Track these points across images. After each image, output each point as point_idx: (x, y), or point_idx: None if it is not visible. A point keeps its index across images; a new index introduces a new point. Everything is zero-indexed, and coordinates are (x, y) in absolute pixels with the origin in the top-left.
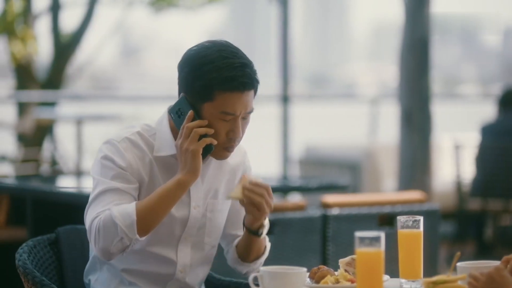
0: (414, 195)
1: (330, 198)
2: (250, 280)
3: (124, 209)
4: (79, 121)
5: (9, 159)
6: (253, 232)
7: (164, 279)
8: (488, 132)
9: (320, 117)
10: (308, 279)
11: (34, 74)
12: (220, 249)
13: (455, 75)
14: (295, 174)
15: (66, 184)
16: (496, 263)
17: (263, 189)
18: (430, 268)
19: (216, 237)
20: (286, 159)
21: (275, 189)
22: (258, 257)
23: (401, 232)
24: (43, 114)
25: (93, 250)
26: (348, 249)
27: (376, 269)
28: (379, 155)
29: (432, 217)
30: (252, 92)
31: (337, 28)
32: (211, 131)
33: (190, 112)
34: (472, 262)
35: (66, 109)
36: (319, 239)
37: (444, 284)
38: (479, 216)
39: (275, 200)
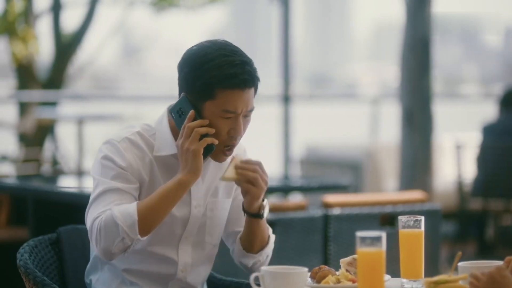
0: (415, 195)
1: (331, 198)
2: (251, 280)
3: (125, 209)
4: (80, 121)
5: (10, 159)
6: (254, 214)
7: (165, 279)
8: (489, 132)
9: (321, 117)
10: (309, 279)
11: (35, 74)
12: (221, 249)
13: (456, 75)
14: (296, 174)
15: (67, 184)
16: (497, 263)
17: (255, 165)
18: (431, 268)
19: (217, 236)
20: (287, 159)
21: (277, 189)
22: (262, 248)
23: (402, 232)
24: (44, 114)
25: (94, 250)
26: (349, 249)
27: (377, 269)
28: (380, 155)
29: (433, 217)
30: (252, 90)
31: (338, 28)
32: (212, 130)
33: (191, 112)
34: (473, 262)
35: (67, 109)
36: (320, 239)
37: (445, 284)
38: (480, 216)
39: (276, 200)
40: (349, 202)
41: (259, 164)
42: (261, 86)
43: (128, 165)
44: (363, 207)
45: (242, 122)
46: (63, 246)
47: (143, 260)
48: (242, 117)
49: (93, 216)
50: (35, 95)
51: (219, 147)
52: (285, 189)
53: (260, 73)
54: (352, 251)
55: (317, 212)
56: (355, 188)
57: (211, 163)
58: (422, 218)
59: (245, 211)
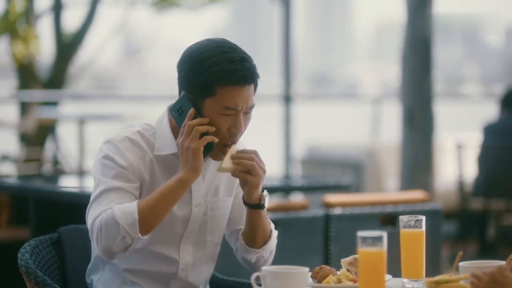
0: (416, 194)
1: (333, 197)
2: (252, 279)
3: (126, 208)
4: (81, 121)
5: (11, 159)
6: (254, 205)
7: (167, 278)
8: (491, 131)
9: (322, 116)
10: (310, 279)
11: (36, 73)
12: (222, 249)
13: (457, 74)
14: (298, 174)
15: (68, 183)
16: (498, 263)
17: (251, 154)
18: (432, 268)
19: (219, 235)
20: (288, 159)
21: (278, 189)
22: (265, 242)
23: (403, 231)
24: (45, 113)
25: (95, 250)
26: (351, 249)
27: (378, 269)
28: (381, 154)
29: (435, 217)
30: (252, 86)
31: (339, 28)
32: (212, 129)
33: (191, 110)
34: (474, 262)
35: (68, 109)
36: (321, 238)
37: (446, 284)
38: (482, 216)
39: (277, 200)
40: (350, 202)
41: (254, 152)
42: (262, 85)
43: (129, 164)
44: (364, 207)
45: (242, 119)
46: (64, 246)
47: (144, 259)
48: (243, 114)
49: (94, 215)
50: (36, 95)
51: (219, 145)
52: (286, 189)
53: (261, 72)
54: (353, 251)
55: (318, 212)
56: (356, 188)
57: (212, 162)
58: (423, 218)
59: (245, 203)
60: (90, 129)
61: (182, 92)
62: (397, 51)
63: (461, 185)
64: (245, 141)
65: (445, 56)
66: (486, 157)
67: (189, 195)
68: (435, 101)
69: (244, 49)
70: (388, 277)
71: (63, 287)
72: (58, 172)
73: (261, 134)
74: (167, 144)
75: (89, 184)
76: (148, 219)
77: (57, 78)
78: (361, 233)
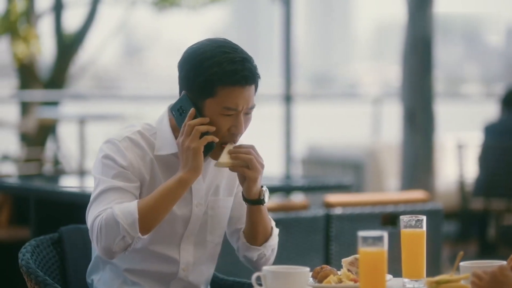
0: (417, 194)
1: (333, 197)
2: (253, 279)
3: (126, 208)
4: (82, 121)
5: (12, 159)
6: (254, 201)
7: (167, 278)
8: (491, 131)
9: (323, 116)
10: (311, 279)
11: (37, 73)
12: (223, 249)
13: (457, 74)
14: (298, 174)
15: (69, 183)
16: (499, 262)
17: (248, 148)
18: (433, 268)
19: (219, 234)
20: (289, 159)
21: (278, 189)
22: (266, 239)
23: (404, 231)
24: (46, 113)
25: (96, 250)
26: (351, 249)
27: (379, 269)
28: (382, 154)
29: (435, 217)
30: (253, 87)
31: (340, 28)
32: (212, 128)
33: (192, 110)
34: (475, 262)
35: (68, 109)
36: (322, 238)
37: (447, 284)
38: (482, 216)
39: (278, 200)
40: (351, 201)
41: (252, 147)
42: (262, 85)
43: (129, 164)
44: (365, 207)
45: (243, 120)
46: (64, 246)
47: (144, 259)
48: (243, 114)
49: (94, 214)
50: (36, 94)
51: (219, 145)
52: (287, 189)
53: (262, 72)
54: (354, 251)
55: (319, 212)
56: (357, 187)
57: (212, 162)
58: (424, 218)
59: (245, 199)
60: (91, 129)
61: (183, 92)
62: (398, 51)
63: (461, 185)
64: (246, 141)
65: (445, 56)
66: (486, 157)
67: (189, 195)
68: (436, 101)
69: (244, 49)
70: (388, 277)
71: (63, 287)
72: (58, 172)
73: (261, 134)
74: (167, 144)
75: (90, 184)
76: (148, 219)
77: (57, 78)
78: (361, 233)
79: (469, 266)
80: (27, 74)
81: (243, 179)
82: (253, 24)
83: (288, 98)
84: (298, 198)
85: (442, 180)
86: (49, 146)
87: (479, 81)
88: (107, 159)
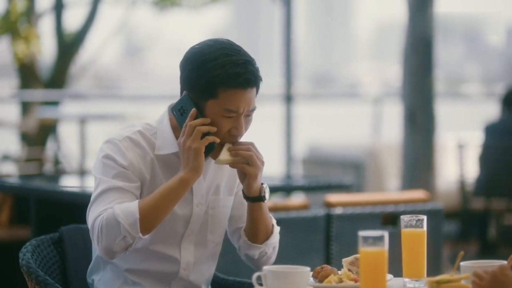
0: (417, 194)
1: (334, 197)
2: (254, 279)
3: (126, 208)
4: (82, 121)
5: (12, 159)
6: (255, 198)
7: (168, 278)
8: (492, 131)
9: (323, 116)
10: (311, 279)
11: (38, 73)
12: (223, 249)
13: (458, 74)
14: (299, 174)
15: (69, 183)
16: (499, 262)
17: (248, 145)
18: (434, 268)
19: (220, 234)
20: (289, 159)
21: (279, 189)
22: (267, 237)
23: (404, 231)
24: (47, 113)
25: (96, 250)
26: (352, 249)
27: (379, 269)
28: (382, 154)
29: (436, 217)
30: (254, 89)
31: (341, 28)
32: (214, 129)
33: (193, 110)
34: (475, 262)
35: (69, 109)
36: (322, 238)
37: (447, 284)
38: (483, 216)
39: (278, 200)
40: (351, 201)
41: (251, 144)
42: (263, 85)
43: (130, 164)
44: (365, 207)
45: (243, 122)
46: (65, 246)
47: (145, 259)
48: (244, 116)
49: (95, 214)
50: (37, 94)
51: (219, 146)
52: (287, 189)
53: (262, 72)
54: (354, 251)
55: (319, 212)
56: (357, 187)
57: (213, 162)
58: (424, 217)
59: (246, 197)
60: (91, 128)
61: (184, 92)
62: (398, 51)
63: (462, 184)
64: (245, 140)
65: (446, 56)
66: (487, 157)
67: (190, 195)
68: (436, 101)
69: (246, 50)
70: (389, 276)
71: (64, 287)
72: (59, 171)
73: (262, 134)
74: (167, 144)
75: (90, 184)
76: (149, 219)
77: (58, 77)
78: (362, 233)
79: (470, 266)
80: (27, 74)
81: (243, 176)
82: (254, 24)
83: (288, 98)
84: (298, 198)
85: (443, 180)
86: (50, 146)
87: (480, 81)
88: (108, 159)
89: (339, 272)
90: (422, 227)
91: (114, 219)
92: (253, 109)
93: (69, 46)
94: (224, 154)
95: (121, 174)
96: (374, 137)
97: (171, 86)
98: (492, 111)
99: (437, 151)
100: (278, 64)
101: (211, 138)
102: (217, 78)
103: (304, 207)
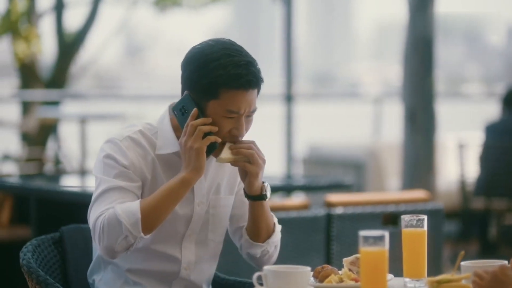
0: (418, 194)
1: (334, 197)
2: (254, 279)
3: (128, 207)
4: (83, 120)
5: (13, 158)
6: (256, 196)
7: (169, 277)
8: (492, 131)
9: (324, 116)
10: (312, 278)
11: (38, 73)
12: (224, 249)
13: (458, 74)
14: (299, 173)
15: (70, 183)
16: (500, 262)
17: (249, 143)
18: (434, 267)
19: (221, 233)
20: (290, 158)
21: (279, 188)
22: (269, 235)
23: (405, 231)
24: (47, 113)
25: (97, 250)
26: (352, 248)
27: (380, 268)
28: (383, 154)
29: (436, 216)
30: (256, 90)
31: (341, 27)
32: (215, 129)
33: (194, 110)
34: (476, 261)
35: (70, 108)
36: (323, 238)
37: (448, 283)
38: (483, 215)
39: (279, 199)
40: (351, 201)
41: (253, 142)
42: (263, 85)
43: (131, 163)
44: (366, 206)
45: (244, 122)
46: (65, 246)
47: (146, 258)
48: (245, 117)
49: (96, 214)
50: (37, 94)
51: (221, 145)
52: (287, 188)
53: (263, 72)
54: (355, 251)
55: (320, 212)
56: (357, 187)
57: (213, 161)
58: (425, 217)
59: (247, 196)
60: (92, 128)
61: (185, 92)
62: (399, 51)
63: (462, 184)
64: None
65: (446, 55)
66: (487, 157)
67: (191, 194)
68: (437, 101)
69: (246, 50)
70: (390, 276)
71: (64, 287)
72: (59, 171)
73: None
74: (168, 143)
75: (91, 184)
76: (151, 219)
77: (58, 77)
78: (363, 233)
79: (470, 266)
80: (28, 73)
81: (245, 175)
82: (254, 23)
83: (289, 98)
84: (299, 197)
85: (443, 179)
86: (50, 145)
87: (480, 81)
88: (109, 158)
89: (340, 272)
90: (422, 227)
91: (116, 218)
92: (254, 110)
93: (69, 46)
94: (226, 153)
95: (122, 173)
96: (375, 137)
97: (172, 86)
98: (492, 111)
99: (437, 151)
100: (278, 64)
101: (212, 138)
102: (219, 79)
103: (305, 207)
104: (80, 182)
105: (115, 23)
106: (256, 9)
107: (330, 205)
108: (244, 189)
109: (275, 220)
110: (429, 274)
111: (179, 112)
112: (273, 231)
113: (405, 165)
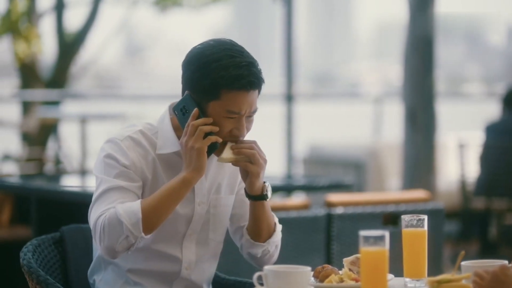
0: (418, 194)
1: (335, 197)
2: (254, 279)
3: (129, 207)
4: (83, 120)
5: (13, 158)
6: (257, 196)
7: (170, 277)
8: (492, 131)
9: (324, 116)
10: (312, 278)
11: (38, 73)
12: (224, 249)
13: (459, 74)
14: (299, 173)
15: (70, 183)
16: (501, 262)
17: (250, 143)
18: (435, 267)
19: (221, 232)
20: (290, 158)
21: (279, 188)
22: (270, 235)
23: (405, 231)
24: (47, 113)
25: (97, 250)
26: (353, 248)
27: (380, 268)
28: (383, 154)
29: (437, 216)
30: (257, 91)
31: (341, 27)
32: (216, 129)
33: (195, 110)
34: (476, 261)
35: (70, 108)
36: (323, 238)
37: (448, 283)
38: (484, 215)
39: (279, 199)
40: (352, 201)
41: (254, 142)
42: (264, 85)
43: (131, 163)
44: (366, 206)
45: (245, 122)
46: (66, 245)
47: (147, 258)
48: (246, 117)
49: (97, 214)
50: (38, 94)
51: (221, 145)
52: (288, 188)
53: (263, 72)
54: (355, 250)
55: (320, 211)
56: (358, 187)
57: (214, 161)
58: (425, 217)
59: (248, 195)
60: (92, 128)
61: (186, 92)
62: (399, 51)
63: (463, 184)
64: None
65: (447, 55)
66: (488, 157)
67: (191, 194)
68: (437, 101)
69: (247, 50)
70: (390, 276)
71: (65, 287)
72: (60, 171)
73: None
74: (169, 143)
75: (91, 183)
76: (152, 219)
77: (59, 77)
78: (363, 233)
79: (471, 266)
80: (28, 73)
81: (246, 175)
82: (255, 23)
83: (289, 98)
84: (299, 197)
85: (444, 179)
86: (51, 145)
87: (480, 81)
88: (109, 158)
89: (340, 272)
90: (423, 226)
91: (117, 218)
92: (255, 110)
93: (70, 45)
94: (227, 153)
95: (123, 173)
96: (375, 136)
97: (172, 86)
98: (492, 110)
99: (437, 151)
100: (278, 64)
101: (213, 138)
102: (220, 80)
103: (305, 207)
104: (80, 182)
105: (115, 23)
106: (256, 9)
107: (330, 205)
108: (245, 189)
109: (276, 220)
110: (430, 274)
111: (180, 112)
112: (274, 231)
113: (406, 165)
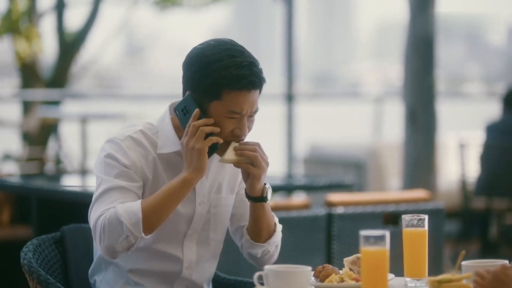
0: (418, 193)
1: (335, 196)
2: (255, 278)
3: (129, 207)
4: (83, 120)
5: (13, 158)
6: (257, 198)
7: (171, 277)
8: (493, 130)
9: (324, 115)
10: (312, 278)
11: (39, 72)
12: (225, 249)
13: (459, 74)
14: (300, 173)
15: (70, 182)
16: (501, 262)
17: (254, 145)
18: (435, 267)
19: (222, 232)
20: (290, 158)
21: (280, 188)
22: (270, 236)
23: (406, 231)
24: (48, 113)
25: (98, 250)
26: (353, 248)
27: (381, 268)
28: (383, 153)
29: (437, 216)
30: (258, 91)
31: (342, 27)
32: (217, 129)
33: (196, 110)
34: (476, 261)
35: (70, 108)
36: (323, 237)
37: (449, 283)
38: (484, 215)
39: (279, 199)
40: (352, 201)
41: (257, 144)
42: (264, 85)
43: (132, 163)
44: (367, 206)
45: (246, 122)
46: (66, 245)
47: (148, 258)
48: (247, 117)
49: (97, 214)
50: (38, 94)
51: (222, 145)
52: (288, 188)
53: (264, 72)
54: (356, 250)
55: (321, 211)
56: (358, 187)
57: (215, 160)
58: (426, 217)
59: (248, 196)
60: (93, 128)
61: (187, 92)
62: (400, 51)
63: (463, 184)
64: (249, 140)
65: (447, 55)
66: (488, 156)
67: (192, 193)
68: (438, 100)
69: (248, 50)
70: (390, 276)
71: (65, 286)
72: (60, 171)
73: (263, 133)
74: (169, 143)
75: (92, 183)
76: (152, 219)
77: (59, 77)
78: (363, 232)
79: (471, 265)
80: (29, 73)
81: (247, 176)
82: (255, 23)
83: (289, 98)
84: (299, 197)
85: (444, 179)
86: (51, 145)
87: (481, 81)
88: (110, 158)
89: (341, 271)
90: (423, 226)
91: (117, 218)
92: (256, 110)
93: (70, 45)
94: (230, 154)
95: (123, 173)
96: (375, 136)
97: (172, 86)
98: (493, 110)
99: (438, 151)
100: (279, 64)
101: (214, 139)
102: (221, 80)
103: (305, 206)
104: (81, 181)
105: (115, 22)
106: (257, 9)
107: (330, 204)
108: (245, 190)
109: (276, 220)
110: (430, 274)
111: (181, 113)
112: (274, 231)
113: (406, 165)
